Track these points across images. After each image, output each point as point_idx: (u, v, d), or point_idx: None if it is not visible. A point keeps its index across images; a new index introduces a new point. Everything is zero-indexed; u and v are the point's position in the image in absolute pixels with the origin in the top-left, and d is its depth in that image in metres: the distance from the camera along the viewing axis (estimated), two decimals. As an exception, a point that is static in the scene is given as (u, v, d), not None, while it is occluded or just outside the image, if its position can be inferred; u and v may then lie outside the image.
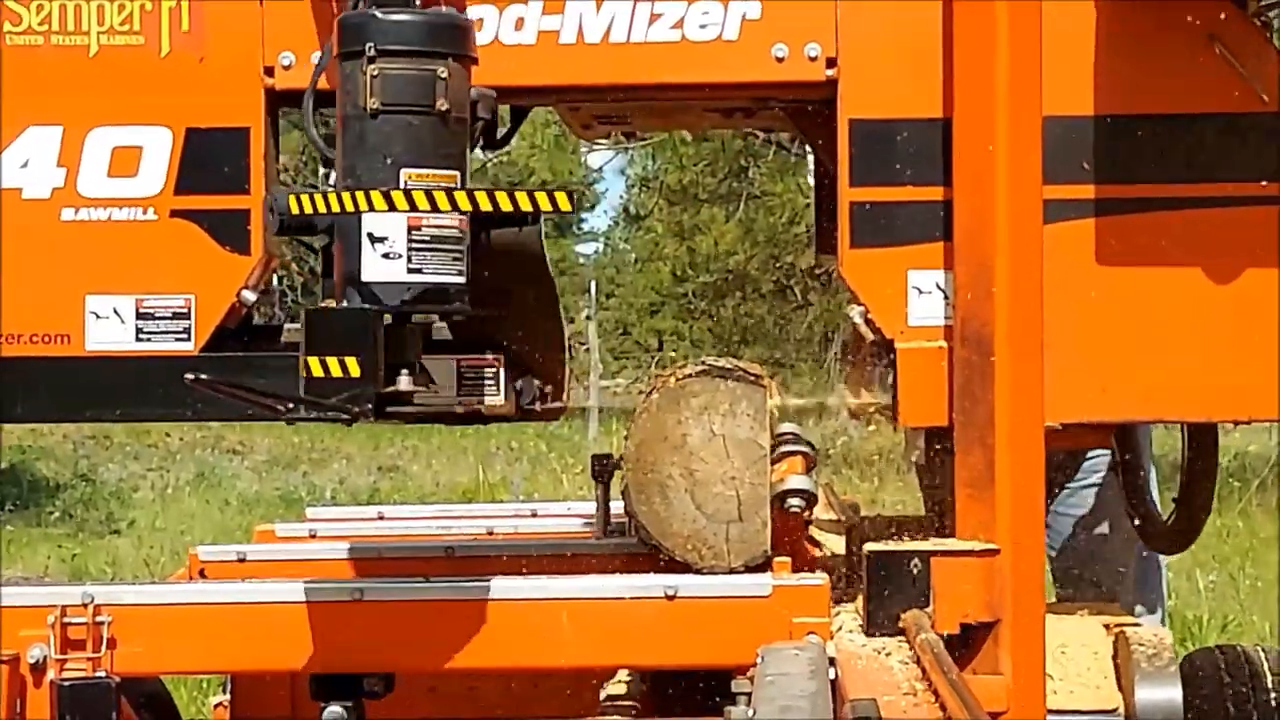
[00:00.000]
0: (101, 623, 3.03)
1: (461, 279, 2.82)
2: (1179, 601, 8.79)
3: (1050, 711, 3.00)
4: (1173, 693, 3.06)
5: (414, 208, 2.77)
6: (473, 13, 3.14)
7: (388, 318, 2.84)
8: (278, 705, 3.73)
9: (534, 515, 4.79)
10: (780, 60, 3.19)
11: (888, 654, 2.96)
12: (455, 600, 3.11)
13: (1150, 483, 4.23)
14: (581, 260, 36.72)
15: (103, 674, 3.00)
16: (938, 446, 3.33)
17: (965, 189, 3.08)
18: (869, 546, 3.08)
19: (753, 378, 3.31)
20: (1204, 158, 3.16)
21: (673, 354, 29.35)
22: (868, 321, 3.24)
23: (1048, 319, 3.03)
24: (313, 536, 4.34)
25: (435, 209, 2.78)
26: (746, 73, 3.23)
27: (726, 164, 20.78)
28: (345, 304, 2.82)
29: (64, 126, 3.14)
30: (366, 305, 2.79)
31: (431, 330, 2.97)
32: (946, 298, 3.15)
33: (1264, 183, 3.15)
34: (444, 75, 2.80)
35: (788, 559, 3.24)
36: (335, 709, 3.02)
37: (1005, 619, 2.97)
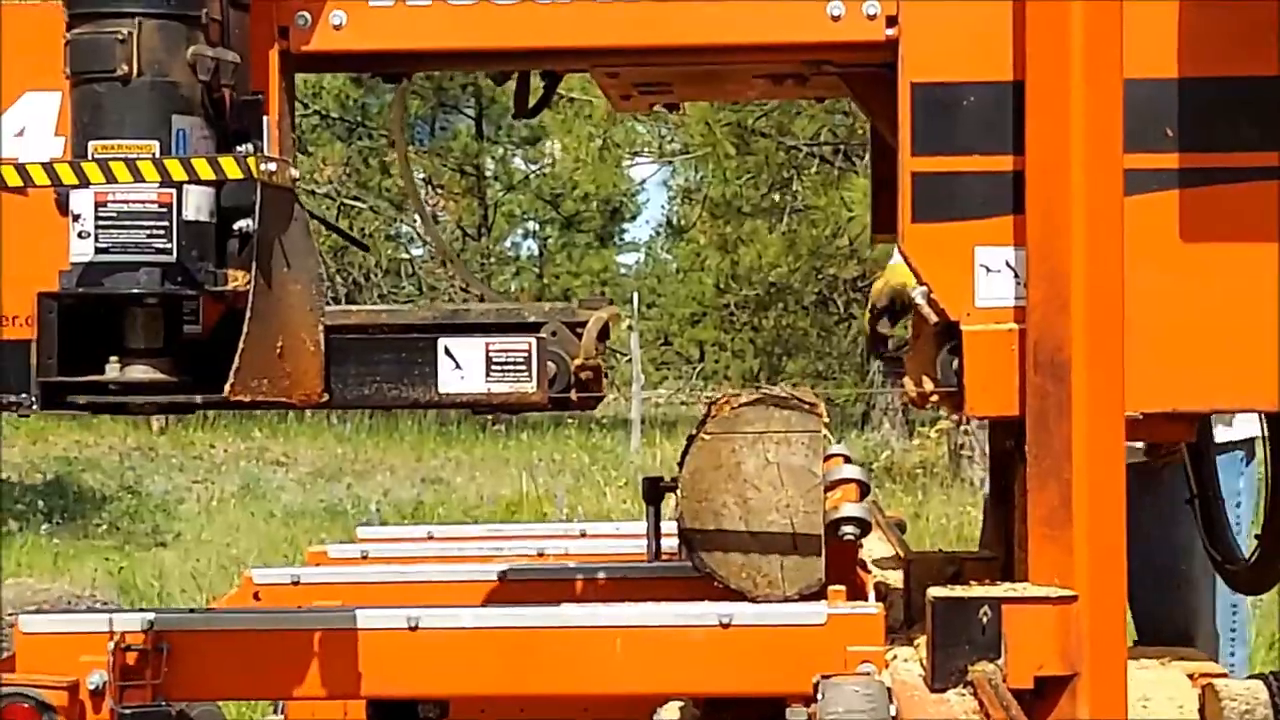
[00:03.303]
0: (161, 649, 3.00)
1: (161, 258, 2.59)
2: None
3: None
4: None
5: (85, 181, 2.54)
6: None
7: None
8: None
9: (583, 535, 4.84)
10: (836, 19, 3.01)
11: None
12: (509, 627, 3.10)
13: (1232, 512, 4.08)
14: (623, 270, 37.16)
15: (162, 701, 2.95)
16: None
17: (1038, 159, 2.91)
18: (933, 592, 2.95)
19: (807, 406, 3.35)
20: None
21: (715, 364, 29.66)
22: (931, 303, 3.04)
23: (1130, 299, 2.87)
24: (364, 558, 4.43)
25: (112, 179, 2.53)
26: (799, 32, 3.05)
27: (770, 177, 21.16)
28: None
29: (63, 92, 2.87)
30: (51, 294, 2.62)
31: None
32: (1017, 276, 2.97)
33: None
34: (124, 37, 2.58)
35: (842, 587, 3.20)
36: None
37: (1084, 672, 2.81)
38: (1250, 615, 4.78)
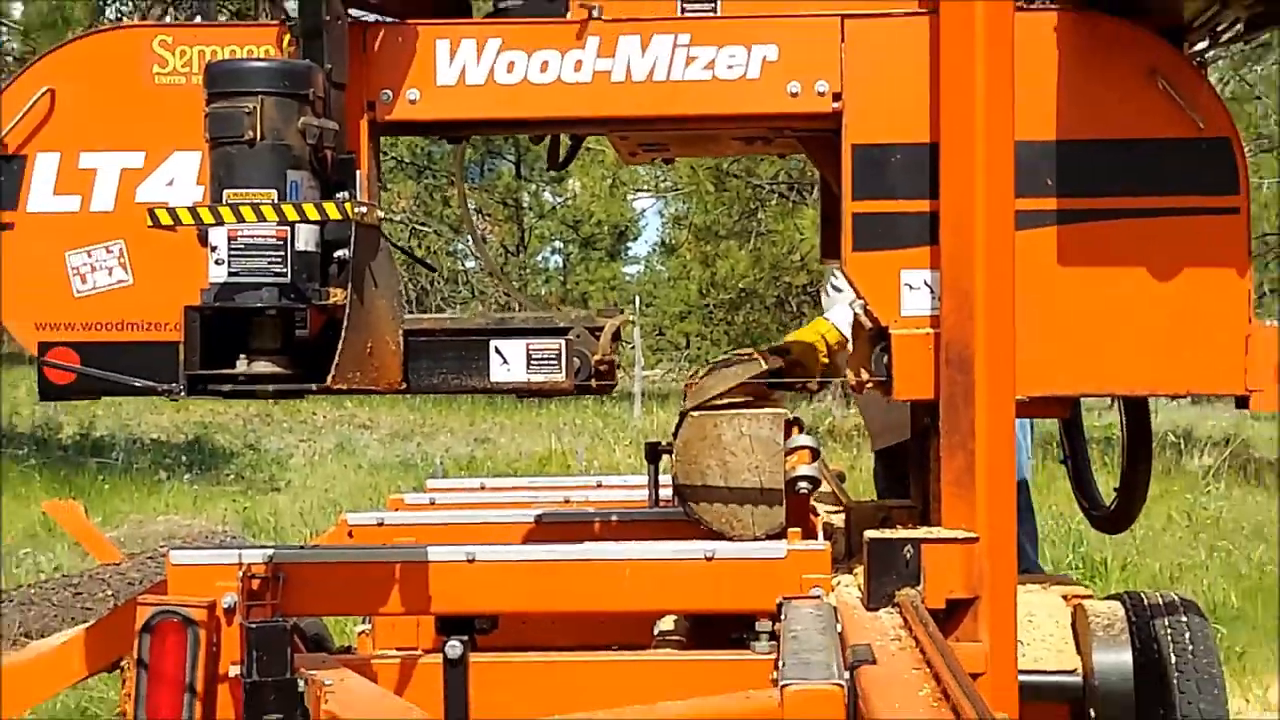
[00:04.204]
0: (278, 577, 3.00)
1: (279, 280, 2.56)
2: (1089, 547, 8.63)
3: (1020, 672, 2.84)
4: (1125, 656, 2.89)
5: (220, 220, 2.53)
6: (540, 57, 2.99)
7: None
8: (407, 635, 3.65)
9: (599, 486, 4.79)
10: (794, 95, 2.99)
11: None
12: (544, 560, 3.07)
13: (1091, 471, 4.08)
14: (627, 279, 36.94)
15: (279, 617, 2.92)
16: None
17: (949, 202, 2.88)
18: (869, 534, 2.92)
19: (771, 397, 3.41)
20: (1147, 175, 2.95)
21: (698, 350, 29.56)
22: (867, 312, 3.02)
23: (1019, 309, 2.86)
24: (432, 504, 4.41)
25: (241, 219, 2.52)
26: (766, 106, 3.02)
27: (740, 208, 21.26)
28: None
29: (203, 152, 2.84)
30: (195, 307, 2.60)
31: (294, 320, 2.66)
32: (933, 293, 2.94)
33: (1198, 196, 2.95)
34: (250, 110, 2.55)
35: (798, 529, 3.22)
36: (454, 642, 2.90)
37: (983, 596, 2.79)
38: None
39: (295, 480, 13.83)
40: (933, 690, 2.15)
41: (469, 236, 28.04)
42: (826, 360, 4.06)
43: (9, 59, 14.22)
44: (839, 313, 4.00)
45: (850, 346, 3.97)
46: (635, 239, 39.06)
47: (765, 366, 3.37)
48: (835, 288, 4.54)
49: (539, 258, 36.45)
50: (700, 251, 23.04)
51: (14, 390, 18.32)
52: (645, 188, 25.71)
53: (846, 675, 2.17)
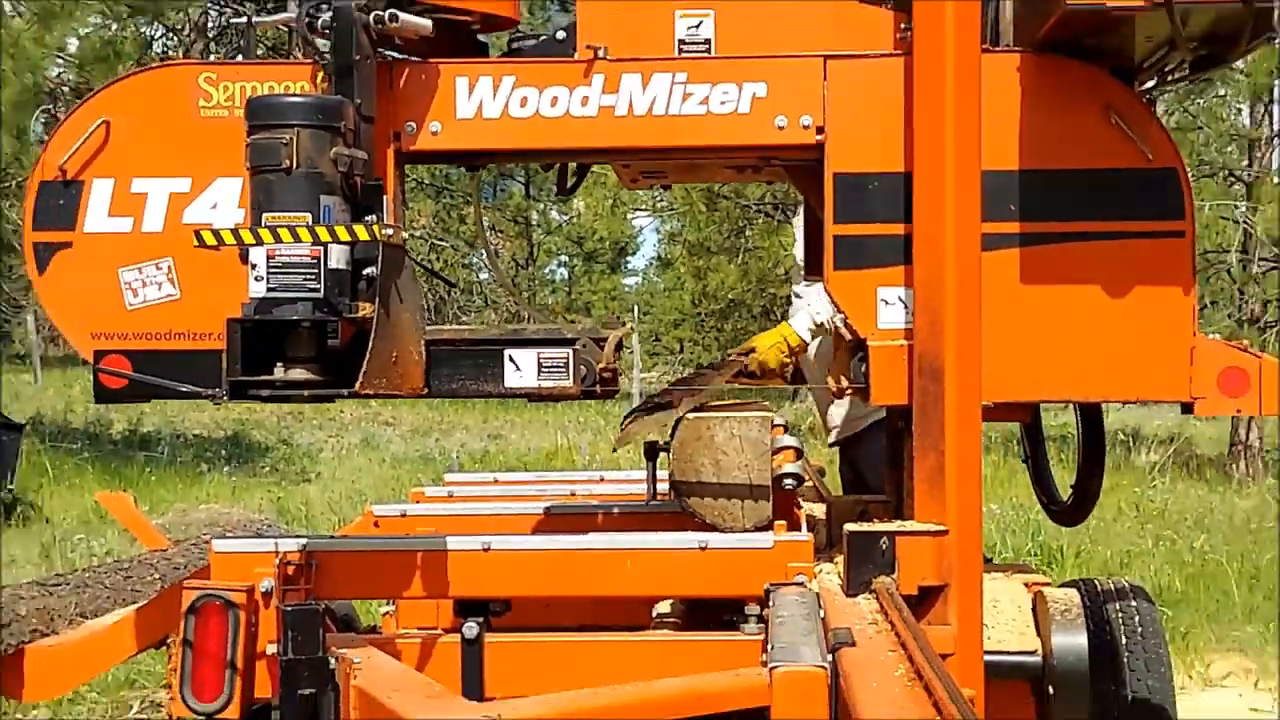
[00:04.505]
0: (311, 564, 3.01)
1: (312, 295, 2.55)
2: (1046, 536, 8.61)
3: (985, 652, 2.82)
4: (1080, 639, 2.87)
5: (259, 241, 2.53)
6: (551, 93, 2.99)
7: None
8: (428, 616, 3.63)
9: (602, 480, 4.75)
10: (781, 128, 2.99)
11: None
12: (553, 549, 3.08)
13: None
14: (627, 289, 36.91)
15: (312, 600, 2.93)
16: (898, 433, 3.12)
17: (922, 226, 2.88)
18: (848, 527, 2.90)
19: (760, 403, 3.45)
20: (1102, 201, 2.95)
21: (691, 355, 29.55)
22: (847, 325, 3.03)
23: (985, 323, 2.85)
24: (450, 497, 4.40)
25: (279, 240, 2.52)
26: (756, 138, 3.02)
27: (730, 226, 21.18)
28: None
29: (244, 178, 2.84)
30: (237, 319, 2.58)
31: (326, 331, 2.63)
32: (907, 308, 2.94)
33: (1147, 221, 2.95)
34: (286, 141, 2.55)
35: (784, 522, 3.23)
36: (471, 623, 2.95)
37: (952, 583, 2.79)
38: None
39: (324, 472, 13.79)
40: (907, 670, 2.15)
41: (483, 251, 27.97)
42: (789, 360, 4.04)
43: (65, 89, 14.20)
44: (801, 319, 4.01)
45: (810, 351, 4.05)
46: (634, 254, 39.20)
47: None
48: (796, 294, 4.56)
49: (546, 270, 36.42)
50: (693, 265, 23.10)
51: (69, 389, 18.36)
52: (643, 207, 25.87)
53: (829, 657, 2.17)
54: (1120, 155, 2.92)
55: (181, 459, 13.97)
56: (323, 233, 2.52)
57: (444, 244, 28.17)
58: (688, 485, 3.32)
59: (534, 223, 33.83)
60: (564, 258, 36.76)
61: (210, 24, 21.58)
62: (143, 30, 16.46)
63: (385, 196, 2.76)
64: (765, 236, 20.08)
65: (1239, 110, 16.34)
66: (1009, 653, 2.89)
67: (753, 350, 3.90)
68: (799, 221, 4.69)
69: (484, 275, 30.72)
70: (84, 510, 10.41)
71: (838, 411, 4.72)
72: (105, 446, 14.42)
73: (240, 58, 3.14)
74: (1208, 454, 15.48)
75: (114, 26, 14.44)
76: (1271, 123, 15.69)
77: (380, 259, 2.59)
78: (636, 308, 29.79)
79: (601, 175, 19.75)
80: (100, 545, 8.69)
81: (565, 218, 33.99)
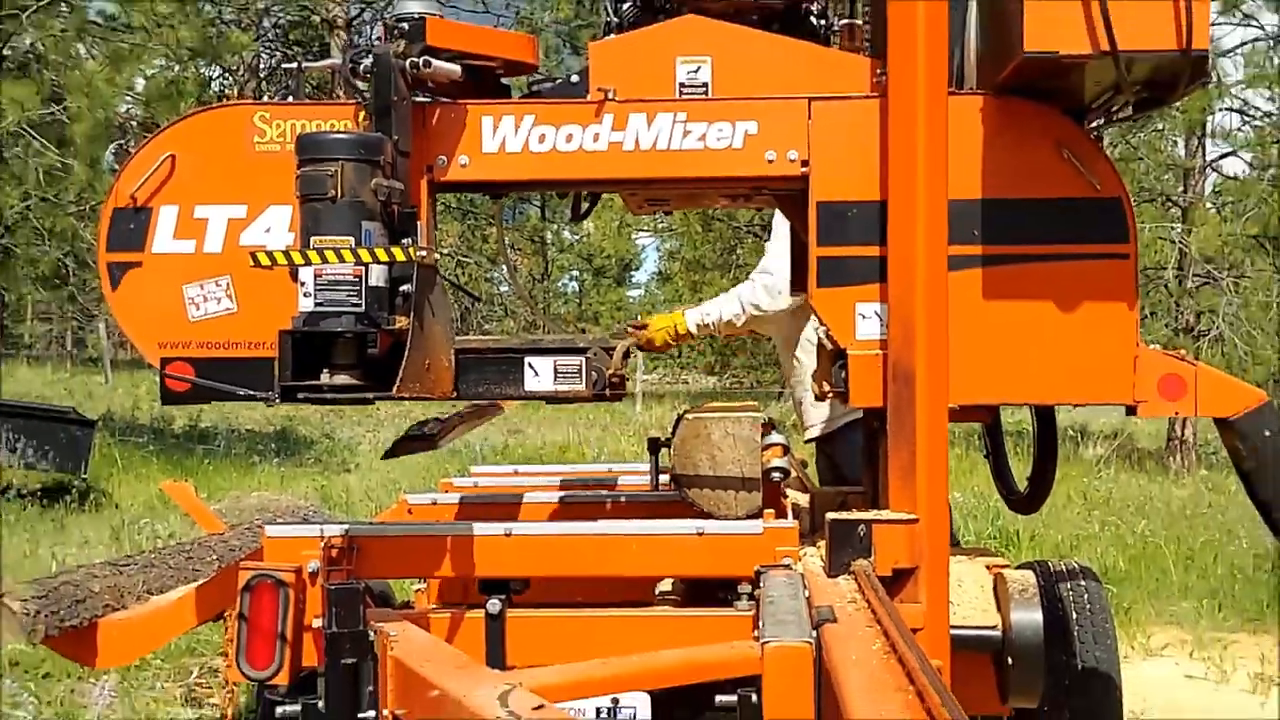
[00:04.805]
0: (353, 548, 3.00)
1: (354, 309, 2.54)
2: (1005, 521, 8.60)
3: (951, 627, 2.81)
4: (1037, 615, 2.85)
5: (308, 262, 2.52)
6: (566, 130, 2.99)
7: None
8: (455, 592, 3.62)
9: (609, 473, 4.70)
10: (770, 162, 2.98)
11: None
12: (566, 535, 3.06)
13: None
14: (631, 300, 36.85)
15: (354, 580, 2.92)
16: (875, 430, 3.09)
17: (895, 249, 2.87)
18: (830, 515, 2.87)
19: (751, 405, 3.43)
20: (1055, 227, 2.93)
21: (687, 359, 29.47)
22: (829, 337, 3.01)
23: (951, 334, 2.83)
24: (475, 487, 4.36)
25: (325, 260, 2.51)
26: (748, 170, 3.00)
27: (723, 245, 21.14)
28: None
29: (294, 206, 2.83)
30: (287, 330, 2.56)
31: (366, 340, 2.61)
32: (882, 321, 2.92)
33: (1095, 244, 2.93)
34: (332, 173, 2.54)
35: (772, 510, 3.24)
36: (494, 600, 2.95)
37: (922, 566, 2.77)
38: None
39: (363, 463, 13.74)
40: (883, 644, 2.14)
41: (504, 266, 28.00)
42: (673, 342, 4.38)
43: (133, 124, 14.20)
44: (693, 314, 4.44)
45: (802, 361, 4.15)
46: (637, 269, 39.17)
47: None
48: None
49: (560, 284, 36.43)
50: (689, 280, 23.10)
51: (136, 390, 18.35)
52: (646, 228, 25.88)
53: (813, 633, 2.16)
54: (1071, 186, 2.91)
55: (235, 451, 13.95)
56: (364, 254, 2.52)
57: (469, 260, 28.14)
58: (686, 478, 3.31)
59: (549, 241, 33.84)
60: (575, 273, 36.79)
61: (262, 65, 21.58)
62: (202, 71, 16.44)
63: (419, 222, 2.76)
64: (753, 255, 20.05)
65: (1175, 143, 16.33)
66: (973, 628, 2.88)
67: (644, 327, 4.12)
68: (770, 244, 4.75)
69: (504, 288, 30.73)
70: (149, 497, 10.40)
71: (816, 412, 4.73)
72: (168, 440, 14.40)
73: (290, 98, 3.12)
74: (1148, 448, 15.48)
75: (176, 68, 14.41)
76: (1203, 154, 15.68)
77: (415, 277, 2.58)
78: (639, 317, 29.72)
79: (609, 200, 19.78)
80: (164, 529, 8.69)
81: (576, 237, 34.05)
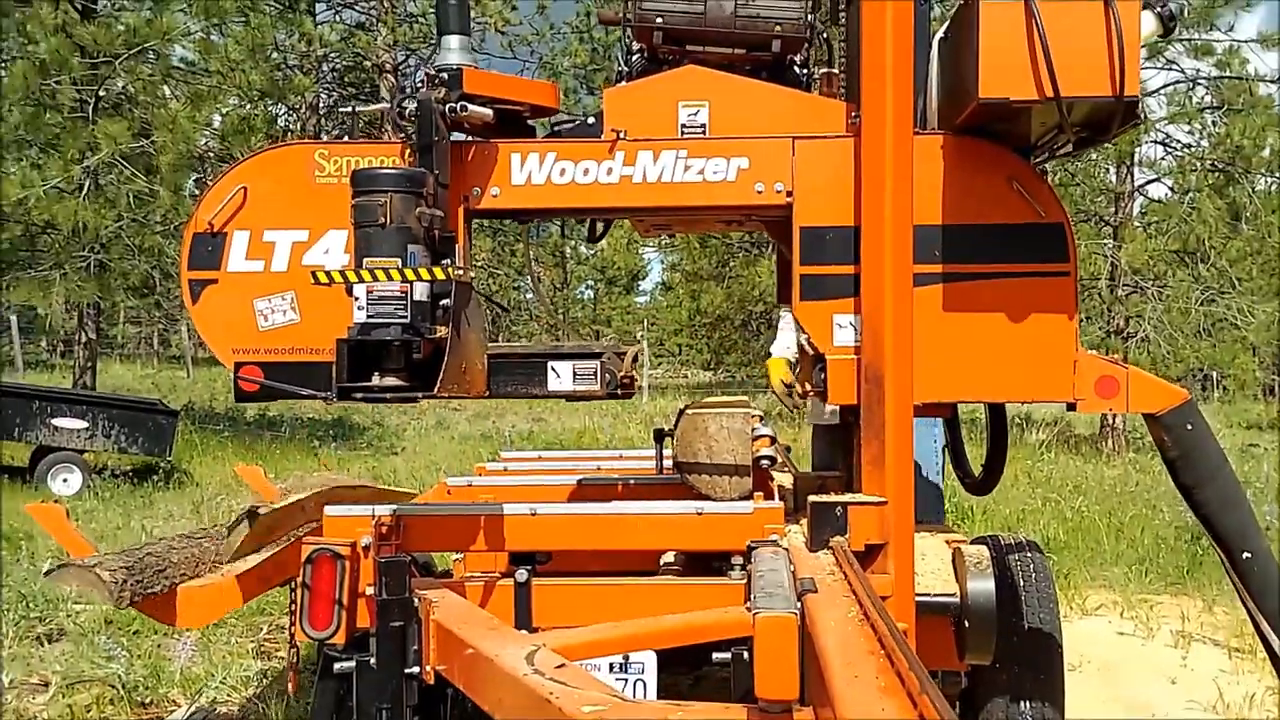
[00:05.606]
0: (400, 525, 3.00)
1: (401, 320, 2.52)
2: (960, 498, 8.56)
3: (916, 595, 2.79)
4: (989, 584, 2.83)
5: (361, 280, 2.52)
6: (583, 165, 2.97)
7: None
8: (488, 564, 3.60)
9: (620, 458, 4.70)
10: (759, 192, 2.97)
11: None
12: (584, 514, 3.05)
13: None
14: (639, 306, 36.82)
15: (401, 553, 2.92)
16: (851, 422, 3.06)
17: (867, 267, 2.85)
18: (811, 498, 2.86)
19: (743, 400, 3.46)
20: (1006, 249, 2.92)
21: (686, 356, 29.49)
22: (810, 344, 2.99)
23: (915, 342, 2.82)
24: (505, 471, 4.35)
25: (375, 279, 2.51)
26: (740, 200, 2.99)
27: (719, 259, 21.14)
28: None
29: (349, 231, 2.85)
30: (344, 339, 2.55)
31: (413, 348, 2.59)
32: (856, 331, 2.91)
33: (1040, 264, 2.92)
34: (382, 203, 2.53)
35: (761, 493, 3.23)
36: (522, 570, 2.95)
37: (890, 541, 2.76)
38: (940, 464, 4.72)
39: (408, 447, 13.73)
40: (857, 612, 2.13)
41: (529, 277, 27.93)
42: (789, 380, 4.10)
43: (211, 155, 14.21)
44: (778, 351, 4.24)
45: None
46: (644, 279, 39.08)
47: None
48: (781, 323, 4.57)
49: (577, 292, 36.39)
50: (689, 289, 23.03)
51: (213, 384, 18.36)
52: (651, 244, 25.84)
53: (798, 602, 2.15)
54: (1020, 213, 2.90)
55: (299, 437, 13.97)
56: (409, 273, 2.51)
57: (499, 272, 28.14)
58: (687, 464, 3.30)
59: (568, 255, 33.84)
60: (590, 282, 36.76)
61: (321, 104, 21.56)
62: (270, 109, 16.46)
63: (457, 245, 2.76)
64: (745, 267, 20.01)
65: (1108, 170, 16.26)
66: (934, 595, 2.87)
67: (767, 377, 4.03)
68: None
69: (529, 296, 30.75)
70: (225, 476, 10.42)
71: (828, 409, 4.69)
72: (241, 427, 14.42)
73: (346, 137, 3.11)
74: (1084, 434, 15.42)
75: (248, 106, 14.43)
76: (1132, 180, 15.62)
77: (453, 293, 2.58)
78: (646, 320, 29.77)
79: (620, 221, 19.73)
80: (238, 504, 8.71)
81: (591, 252, 33.99)
